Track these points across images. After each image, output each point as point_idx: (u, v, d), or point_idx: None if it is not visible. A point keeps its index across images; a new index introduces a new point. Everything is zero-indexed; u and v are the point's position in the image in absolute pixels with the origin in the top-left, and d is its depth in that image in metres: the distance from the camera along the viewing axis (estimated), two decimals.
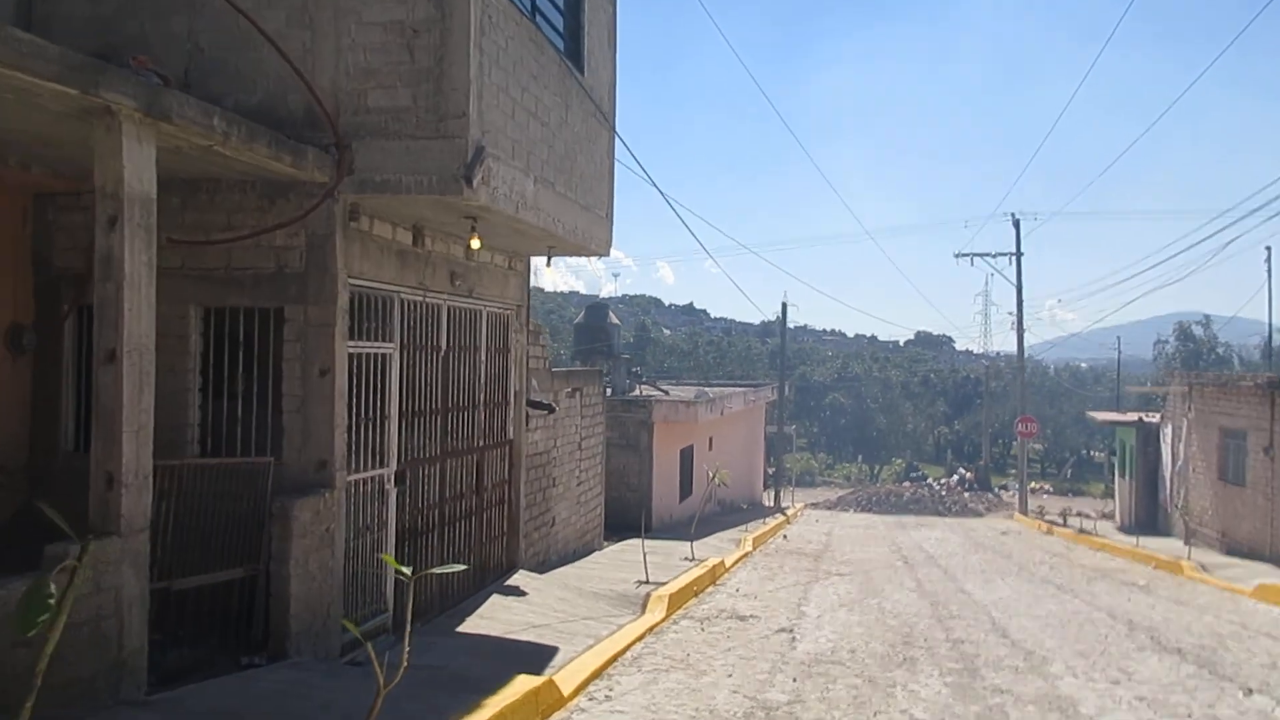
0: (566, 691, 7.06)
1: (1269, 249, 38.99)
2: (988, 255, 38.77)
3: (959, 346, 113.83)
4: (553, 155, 9.08)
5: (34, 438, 7.66)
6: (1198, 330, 56.48)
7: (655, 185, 14.29)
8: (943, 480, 53.46)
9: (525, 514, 11.93)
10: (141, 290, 5.32)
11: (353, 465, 7.74)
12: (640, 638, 9.53)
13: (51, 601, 3.33)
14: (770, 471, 40.22)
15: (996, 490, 50.37)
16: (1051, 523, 29.62)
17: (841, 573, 16.42)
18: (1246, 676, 8.89)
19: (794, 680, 8.18)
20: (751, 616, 11.24)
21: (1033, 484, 37.53)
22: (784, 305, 39.72)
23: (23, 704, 3.47)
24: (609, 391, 24.23)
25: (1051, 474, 63.50)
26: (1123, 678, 8.77)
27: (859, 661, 9.04)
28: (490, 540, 10.80)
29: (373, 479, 8.13)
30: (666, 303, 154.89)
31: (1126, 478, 30.37)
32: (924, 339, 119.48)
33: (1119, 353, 57.74)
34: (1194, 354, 53.02)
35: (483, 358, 10.39)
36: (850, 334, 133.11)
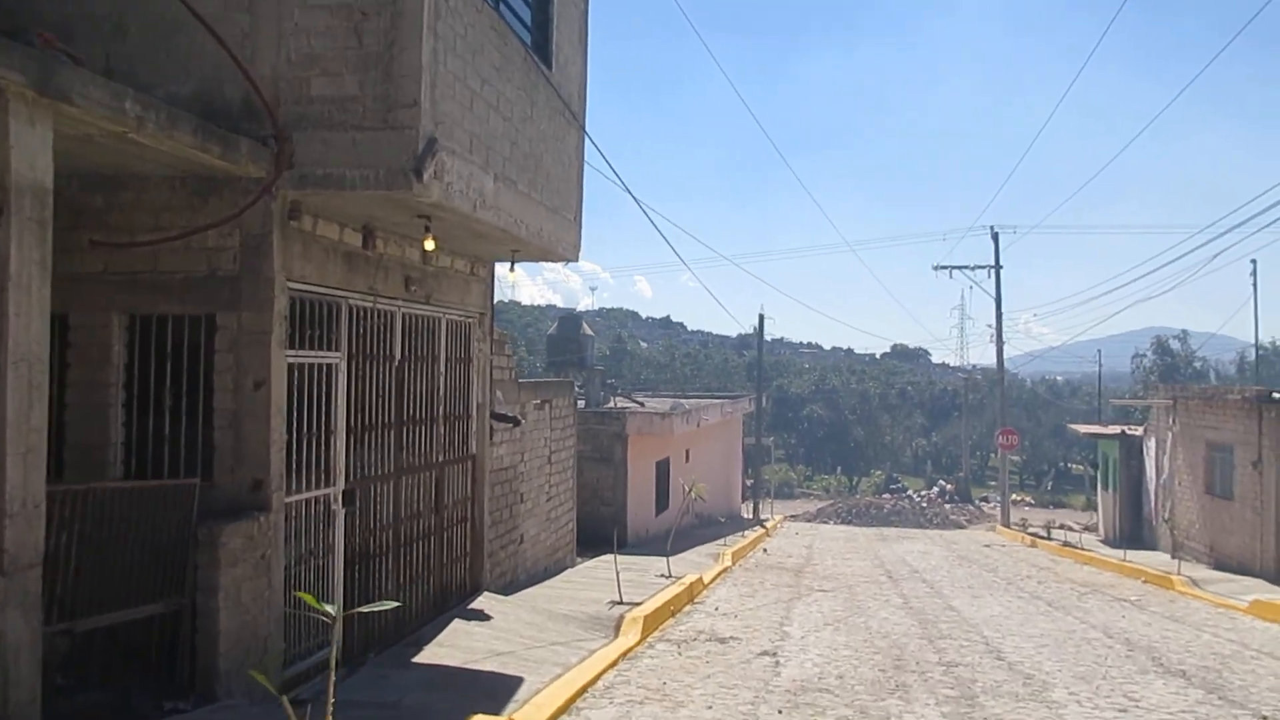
0: None
1: (1254, 262, 38.80)
2: (966, 268, 38.32)
3: (935, 359, 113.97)
4: (516, 153, 8.49)
5: None
6: (1175, 345, 56.41)
7: (629, 191, 13.88)
8: (923, 492, 53.10)
9: (490, 532, 11.29)
10: (33, 293, 4.68)
11: (294, 485, 7.10)
12: (613, 664, 8.92)
13: None
14: (749, 483, 39.65)
15: (977, 502, 50.03)
16: (1035, 535, 29.20)
17: (824, 589, 15.85)
18: (1258, 702, 8.37)
19: (779, 712, 7.60)
20: (732, 638, 10.64)
21: (1014, 496, 37.11)
22: (761, 316, 39.21)
23: None
24: (582, 404, 23.63)
25: (1030, 486, 63.28)
26: (1130, 705, 8.22)
27: (848, 689, 8.45)
28: (452, 561, 10.15)
29: (317, 499, 7.48)
30: (644, 316, 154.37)
31: (1110, 490, 29.98)
32: (900, 352, 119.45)
33: (1100, 365, 57.65)
34: (1171, 368, 52.92)
35: (442, 368, 9.77)
36: (827, 346, 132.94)
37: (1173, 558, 21.98)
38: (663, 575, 14.42)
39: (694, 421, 25.60)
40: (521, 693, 7.39)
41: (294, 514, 7.15)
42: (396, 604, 4.57)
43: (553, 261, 10.64)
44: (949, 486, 54.20)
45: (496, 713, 6.70)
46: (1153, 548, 25.05)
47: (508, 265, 10.59)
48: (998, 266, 36.68)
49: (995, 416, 68.50)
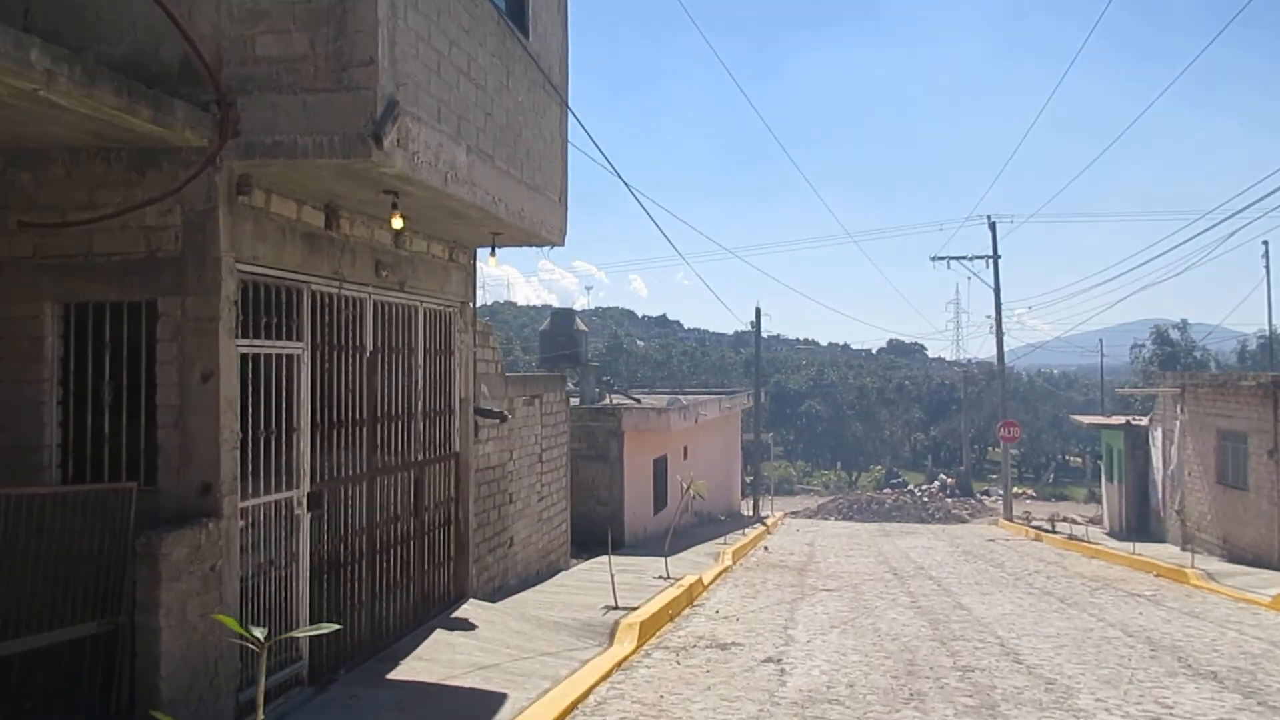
0: None
1: (1266, 244, 38.17)
2: (964, 258, 37.72)
3: (931, 354, 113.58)
4: (491, 124, 7.84)
5: None
6: (1175, 334, 55.80)
7: (619, 175, 13.36)
8: (924, 487, 52.50)
9: (476, 535, 10.64)
10: None
11: (251, 488, 6.45)
12: (606, 676, 8.28)
13: None
14: (748, 480, 39.04)
15: (978, 496, 49.44)
16: (1039, 529, 28.61)
17: (829, 588, 15.23)
18: None
19: None
20: (734, 644, 10.01)
21: (1015, 489, 36.51)
22: (758, 310, 38.58)
23: None
24: (577, 401, 22.98)
25: (1028, 479, 62.72)
26: (1163, 713, 7.60)
27: (860, 700, 7.83)
28: (434, 567, 9.50)
29: (279, 503, 6.83)
30: (639, 314, 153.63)
31: (1115, 482, 29.39)
32: (896, 347, 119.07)
33: (1102, 355, 57.03)
34: (1171, 358, 52.23)
35: (420, 360, 9.13)
36: (823, 343, 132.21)
37: (1183, 550, 21.40)
38: (661, 577, 13.79)
39: (692, 417, 24.98)
40: (504, 712, 6.76)
41: (251, 520, 6.51)
42: (336, 627, 3.92)
43: (537, 245, 9.99)
44: (950, 480, 53.60)
45: None
46: (1161, 540, 24.47)
47: (498, 261, 9.96)
48: (995, 256, 36.11)
49: (993, 410, 68.03)
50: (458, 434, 10.01)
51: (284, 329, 6.85)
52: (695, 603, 12.95)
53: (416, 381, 9.06)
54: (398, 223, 7.12)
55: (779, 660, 9.24)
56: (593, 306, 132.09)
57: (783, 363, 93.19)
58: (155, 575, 5.44)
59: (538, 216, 9.08)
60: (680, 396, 29.99)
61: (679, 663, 9.01)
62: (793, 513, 40.90)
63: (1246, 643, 10.76)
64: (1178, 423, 23.25)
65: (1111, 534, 28.06)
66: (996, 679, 8.69)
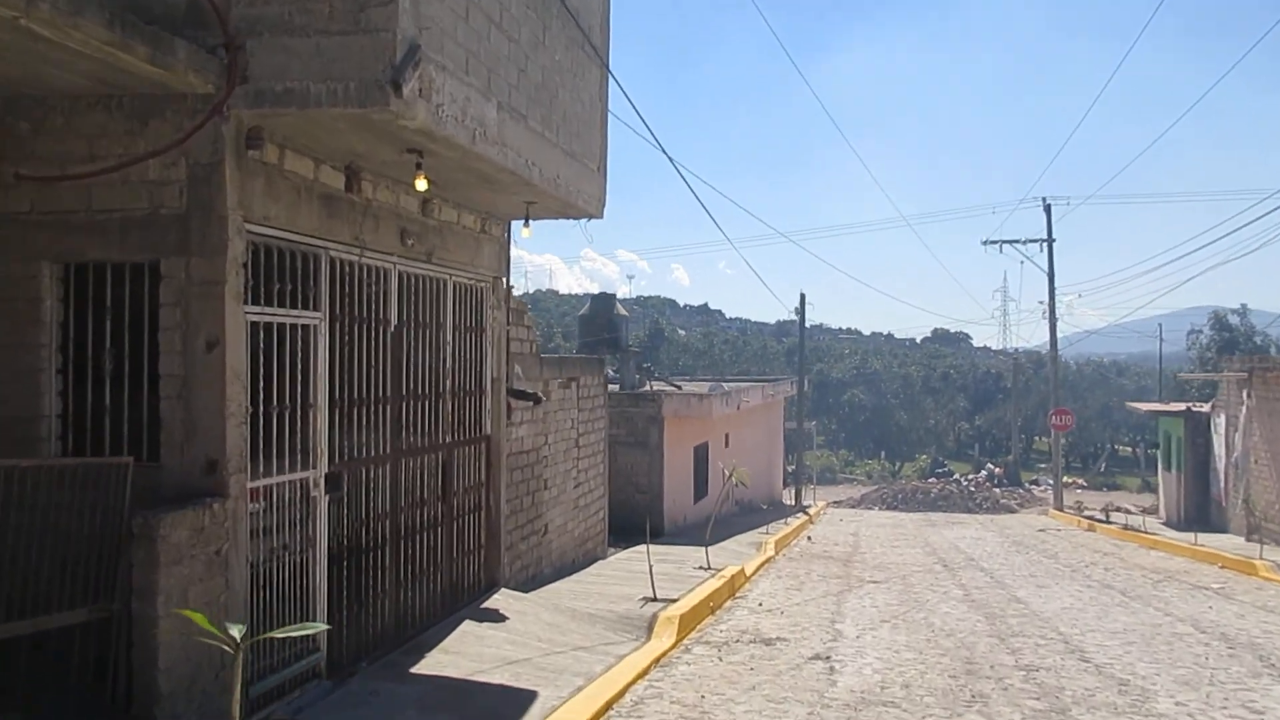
0: None
1: None
2: (1017, 242, 36.62)
3: (976, 343, 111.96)
4: (525, 81, 7.32)
5: None
6: (1234, 319, 54.08)
7: (661, 147, 12.80)
8: (970, 476, 51.43)
9: (509, 522, 10.17)
10: None
11: (263, 467, 6.00)
12: (644, 673, 7.77)
13: None
14: (790, 469, 38.36)
15: (1027, 485, 48.35)
16: (1092, 519, 27.70)
17: (876, 579, 14.62)
18: None
19: None
20: (779, 639, 9.45)
21: (1065, 479, 35.53)
22: (802, 295, 37.81)
23: None
24: (616, 387, 22.49)
25: (1076, 468, 61.28)
26: (1254, 719, 6.95)
27: (917, 702, 7.25)
28: (463, 555, 9.04)
29: (293, 484, 6.37)
30: (681, 304, 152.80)
31: (1173, 471, 28.38)
32: (941, 336, 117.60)
33: (1160, 340, 55.52)
34: (1230, 343, 50.66)
35: (449, 337, 8.64)
36: (866, 332, 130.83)
37: (1248, 540, 20.50)
38: (701, 567, 13.26)
39: (734, 404, 24.38)
40: (534, 711, 6.27)
41: (263, 502, 6.06)
42: (325, 627, 3.43)
43: (574, 217, 9.46)
44: (997, 470, 52.48)
45: None
46: (1222, 530, 23.52)
47: (531, 232, 9.45)
48: (1050, 240, 35.04)
49: (1041, 398, 66.77)
50: (489, 416, 9.53)
51: (299, 297, 6.38)
52: (737, 594, 12.40)
53: (445, 359, 8.58)
54: (421, 184, 6.62)
55: (828, 657, 8.68)
56: (634, 295, 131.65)
57: (825, 351, 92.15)
58: (153, 558, 4.99)
59: (574, 185, 8.55)
60: (722, 383, 29.39)
61: (721, 659, 8.48)
62: (835, 502, 40.17)
63: None
64: (1243, 408, 22.27)
65: (1169, 524, 27.09)
66: (1064, 679, 8.07)
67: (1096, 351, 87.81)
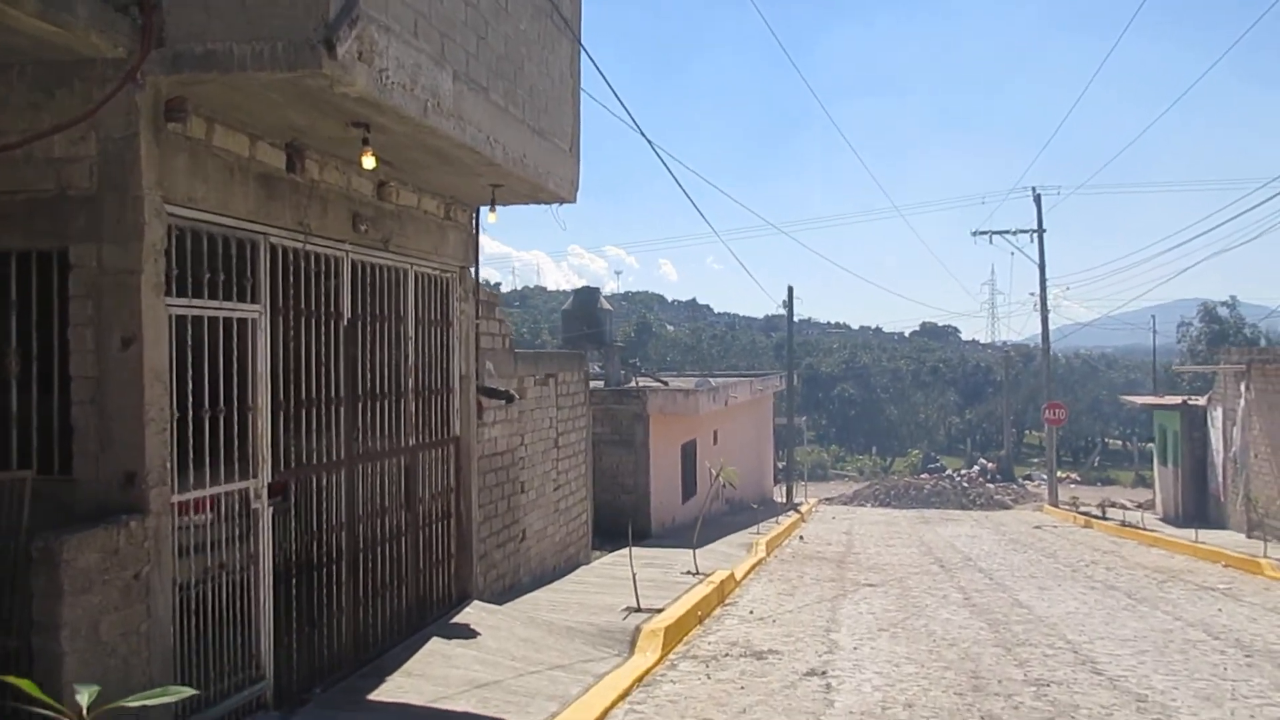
0: None
1: None
2: (1007, 232, 36.13)
3: (965, 336, 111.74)
4: (485, 51, 6.69)
5: None
6: (1223, 312, 53.72)
7: (641, 131, 12.09)
8: (963, 471, 50.94)
9: (482, 529, 9.56)
10: None
11: (193, 479, 5.37)
12: (624, 694, 7.18)
13: None
14: (781, 466, 37.80)
15: (1020, 481, 47.89)
16: (1089, 515, 27.22)
17: (871, 582, 14.05)
18: None
19: None
20: (771, 652, 8.86)
21: (1058, 473, 34.99)
22: (790, 289, 37.18)
23: None
24: (601, 384, 21.88)
25: (1067, 462, 60.88)
26: None
27: None
28: (431, 566, 8.42)
29: (231, 495, 5.75)
30: (669, 299, 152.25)
31: (1169, 465, 27.89)
32: (930, 330, 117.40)
33: (1154, 332, 55.11)
34: (1220, 335, 50.29)
35: (411, 331, 8.02)
36: (855, 326, 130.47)
37: (1249, 537, 20.03)
38: (689, 572, 12.66)
39: (721, 400, 23.78)
40: None
41: (196, 515, 5.43)
42: (192, 692, 2.79)
43: (545, 201, 8.83)
44: (990, 465, 52.03)
45: None
46: (1221, 526, 23.04)
47: (497, 217, 8.83)
48: (1040, 230, 34.57)
49: (1030, 392, 66.33)
50: (458, 416, 8.90)
51: (235, 288, 5.75)
52: (727, 601, 11.81)
53: (407, 355, 7.95)
54: (369, 162, 5.99)
55: (824, 673, 8.08)
56: (622, 291, 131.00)
57: (814, 346, 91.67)
58: (56, 587, 4.36)
59: (543, 165, 7.93)
60: (710, 379, 28.80)
61: (709, 676, 7.87)
62: (827, 499, 39.64)
63: None
64: (1241, 401, 21.79)
65: (1166, 520, 26.61)
66: (1078, 695, 7.50)
67: (1084, 345, 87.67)
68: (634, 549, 11.85)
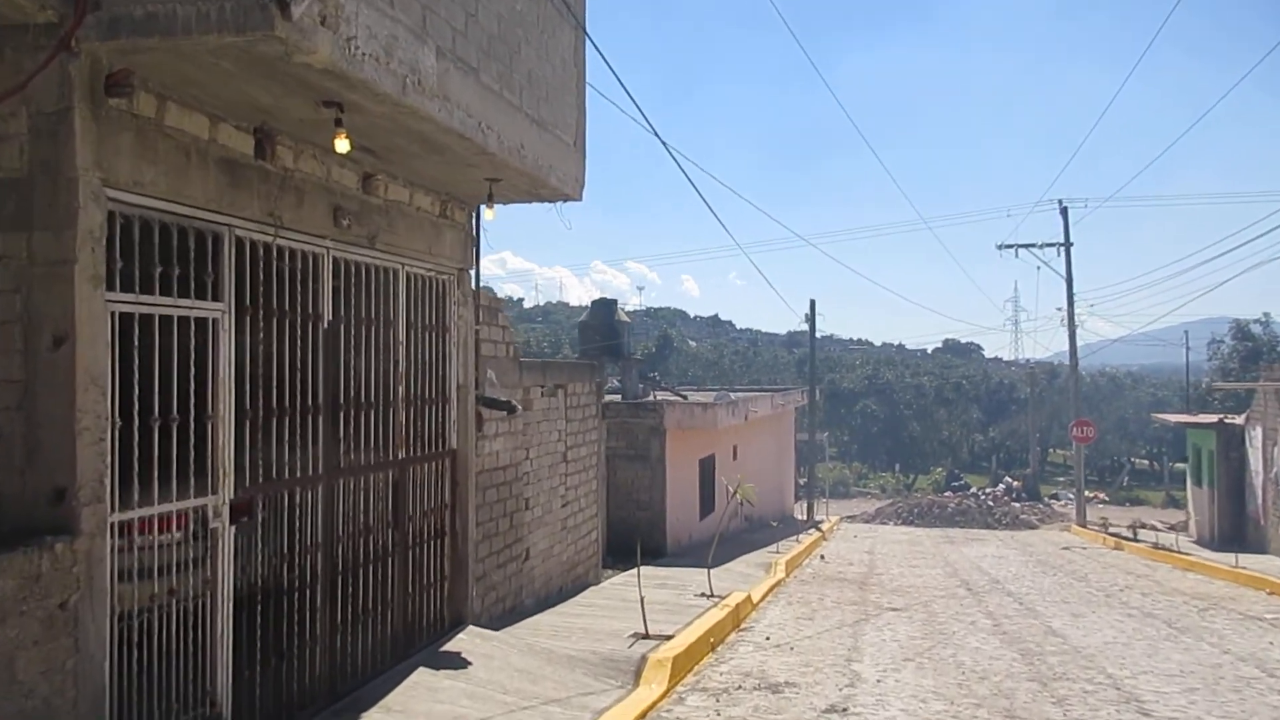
0: None
1: None
2: (1033, 246, 35.38)
3: (988, 354, 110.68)
4: (475, 29, 6.15)
5: None
6: (1256, 329, 52.57)
7: (655, 133, 11.62)
8: (988, 490, 49.95)
9: (480, 549, 8.98)
10: None
11: (139, 495, 4.80)
12: None
13: None
14: (801, 482, 37.04)
15: (1046, 500, 46.86)
16: (1119, 536, 26.33)
17: (895, 606, 13.36)
18: None
19: None
20: (788, 684, 8.21)
21: (1086, 493, 34.05)
22: (812, 302, 36.59)
23: None
24: (619, 397, 21.30)
25: (1093, 481, 59.73)
26: None
27: None
28: (421, 589, 7.83)
29: (185, 514, 5.18)
30: (691, 315, 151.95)
31: (1204, 486, 26.99)
32: (952, 347, 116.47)
33: (1187, 349, 54.00)
34: (1253, 353, 49.19)
35: (402, 336, 7.46)
36: (877, 343, 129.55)
37: None
38: (703, 594, 12.03)
39: (741, 414, 23.13)
40: None
41: (140, 538, 4.87)
42: None
43: (547, 199, 8.28)
44: (1015, 483, 50.97)
45: None
46: (1261, 550, 22.13)
47: (495, 214, 8.28)
48: (1068, 244, 33.77)
49: (1055, 410, 65.21)
50: (454, 427, 8.33)
51: (193, 284, 5.20)
52: (742, 626, 11.16)
53: (398, 362, 7.39)
54: (343, 145, 5.44)
55: (844, 709, 7.43)
56: (644, 306, 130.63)
57: (836, 362, 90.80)
58: None
59: (544, 159, 7.37)
60: (730, 392, 28.16)
61: (719, 713, 7.24)
62: (849, 517, 38.82)
63: None
64: None
65: (1200, 543, 25.71)
66: None
67: (1109, 362, 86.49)
68: (648, 568, 11.28)
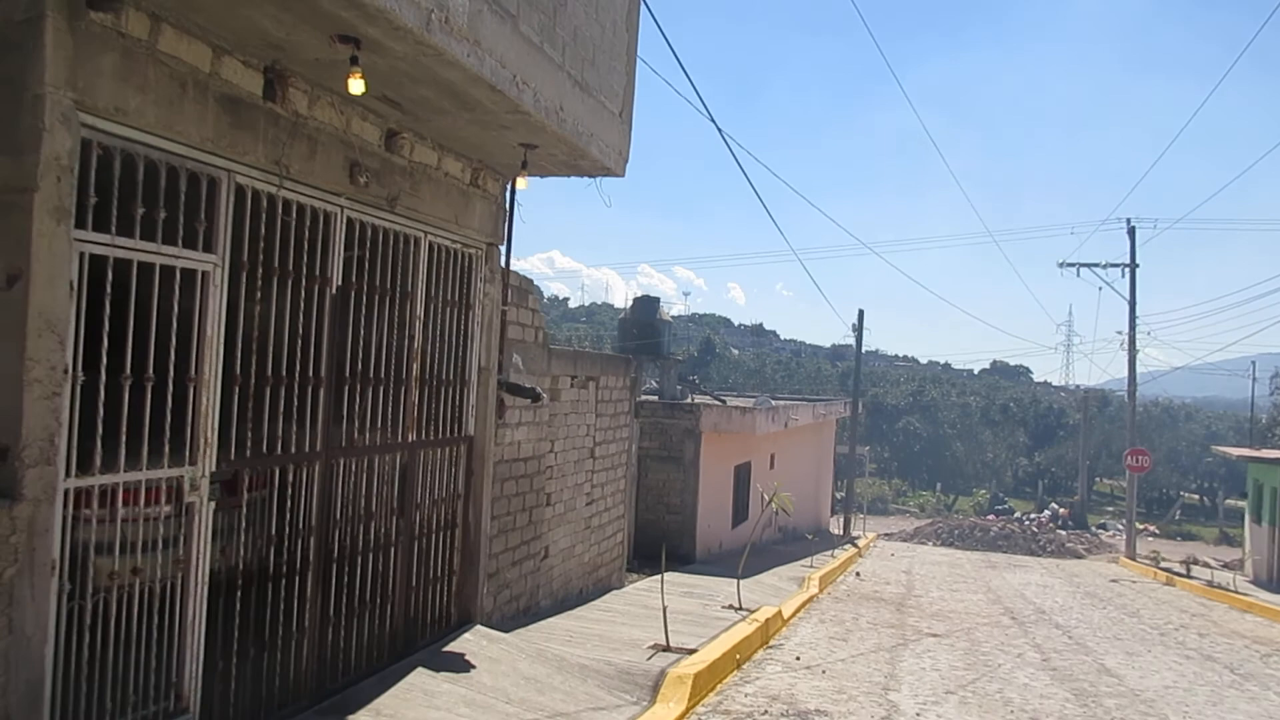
0: None
1: None
2: (1096, 265, 34.18)
3: (1037, 377, 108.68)
4: None
5: None
6: None
7: (711, 118, 11.01)
8: (1033, 516, 48.69)
9: (495, 544, 8.41)
10: None
11: (102, 460, 4.28)
12: None
13: None
14: (839, 496, 36.19)
15: (1094, 529, 45.53)
16: (1170, 571, 25.25)
17: (935, 632, 12.62)
18: None
19: None
20: (818, 713, 7.56)
21: (1136, 525, 32.83)
22: (860, 313, 35.71)
23: None
24: (656, 397, 20.72)
25: (1141, 513, 58.15)
26: None
27: None
28: (426, 583, 7.27)
29: (156, 485, 4.65)
30: (736, 323, 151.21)
31: (1263, 524, 25.81)
32: (1000, 368, 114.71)
33: (1253, 379, 52.36)
34: None
35: (420, 310, 6.91)
36: (923, 360, 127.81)
37: None
38: (731, 606, 11.40)
39: (781, 421, 22.43)
40: None
41: (103, 508, 4.35)
42: None
43: (587, 173, 7.70)
44: (1062, 511, 49.63)
45: None
46: None
47: (529, 183, 7.72)
48: (1133, 265, 32.57)
49: (1104, 438, 63.54)
50: (472, 413, 7.77)
51: (183, 230, 4.67)
52: (771, 643, 10.50)
53: (413, 337, 6.84)
54: (357, 85, 4.89)
55: None
56: (690, 313, 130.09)
57: (880, 376, 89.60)
58: None
59: (585, 125, 6.79)
60: (771, 398, 27.44)
61: None
62: (886, 534, 37.90)
63: None
64: None
65: (1257, 583, 24.56)
66: None
67: (1162, 393, 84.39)
68: (674, 575, 10.67)
